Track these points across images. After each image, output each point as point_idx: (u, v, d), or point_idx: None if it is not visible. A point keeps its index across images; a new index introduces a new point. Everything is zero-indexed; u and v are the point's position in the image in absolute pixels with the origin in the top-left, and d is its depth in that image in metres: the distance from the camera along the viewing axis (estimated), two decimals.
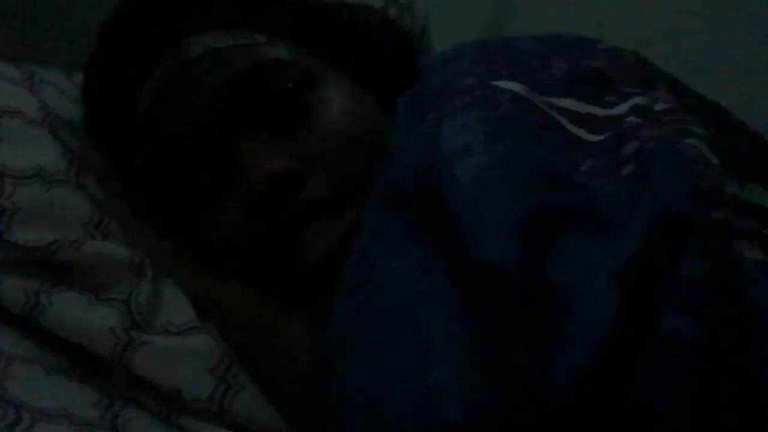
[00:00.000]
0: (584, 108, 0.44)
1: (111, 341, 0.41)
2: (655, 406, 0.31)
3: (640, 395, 0.31)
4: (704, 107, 0.46)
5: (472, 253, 0.35)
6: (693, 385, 0.31)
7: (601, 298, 0.32)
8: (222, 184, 0.47)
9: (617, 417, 0.32)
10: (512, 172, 0.37)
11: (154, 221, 0.51)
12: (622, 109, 0.44)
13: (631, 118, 0.42)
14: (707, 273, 0.33)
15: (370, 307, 0.39)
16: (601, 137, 0.42)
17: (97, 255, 0.43)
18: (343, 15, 0.57)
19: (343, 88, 0.49)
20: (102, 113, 0.52)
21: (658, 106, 0.43)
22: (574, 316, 0.32)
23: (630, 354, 0.32)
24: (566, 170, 0.39)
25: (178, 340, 0.42)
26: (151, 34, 0.50)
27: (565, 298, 0.33)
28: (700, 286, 0.33)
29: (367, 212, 0.43)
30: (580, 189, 0.37)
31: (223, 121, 0.46)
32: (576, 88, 0.45)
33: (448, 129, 0.40)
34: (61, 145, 0.48)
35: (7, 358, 0.39)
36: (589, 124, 0.43)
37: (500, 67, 0.46)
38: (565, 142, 0.41)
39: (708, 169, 0.38)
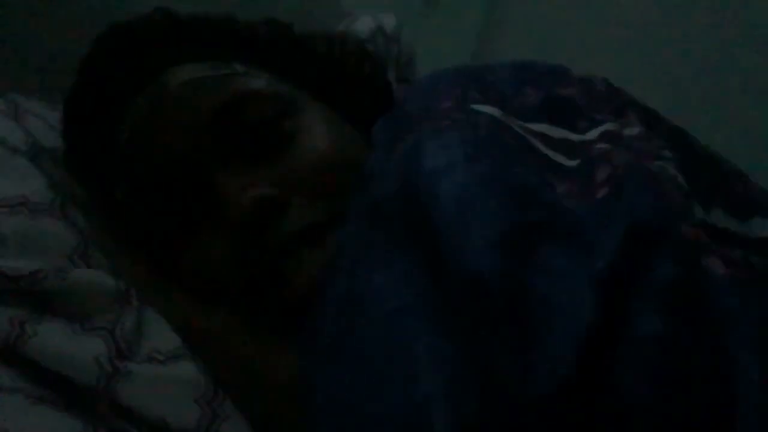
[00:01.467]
0: (557, 132, 0.44)
1: (96, 371, 0.40)
2: (631, 398, 0.31)
3: (618, 392, 0.32)
4: (671, 132, 0.47)
5: (454, 264, 0.35)
6: (664, 380, 0.32)
7: (579, 304, 0.32)
8: (203, 215, 0.46)
9: (600, 416, 0.32)
10: (493, 189, 0.38)
11: (136, 251, 0.50)
12: (593, 134, 0.44)
13: (602, 144, 0.43)
14: (677, 276, 0.33)
15: (359, 318, 0.38)
16: (575, 162, 0.42)
17: (83, 284, 0.42)
18: (319, 45, 0.57)
19: (321, 116, 0.49)
20: (82, 145, 0.52)
21: (628, 132, 0.44)
22: (554, 322, 0.32)
23: (607, 355, 0.32)
24: (544, 190, 0.39)
25: (163, 369, 0.41)
26: (130, 66, 0.50)
27: (545, 306, 0.33)
28: (670, 287, 0.33)
29: (350, 230, 0.43)
30: (557, 207, 0.38)
31: (203, 152, 0.46)
32: (549, 114, 0.45)
33: (429, 149, 0.40)
34: (45, 176, 0.47)
35: None
36: (563, 148, 0.43)
37: (475, 92, 0.47)
38: (541, 165, 0.41)
39: (677, 188, 0.38)
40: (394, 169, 0.42)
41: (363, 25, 0.93)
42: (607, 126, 0.44)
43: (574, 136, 0.44)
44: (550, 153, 0.43)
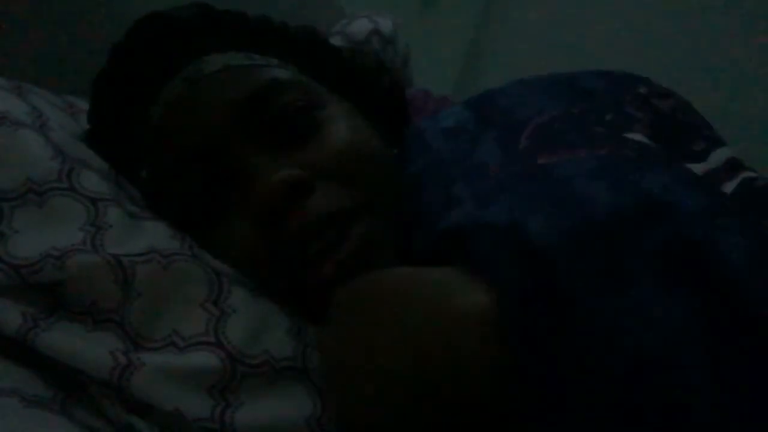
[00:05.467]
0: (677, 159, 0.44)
1: (109, 364, 0.39)
2: None
3: None
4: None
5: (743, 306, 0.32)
6: None
7: None
8: (231, 196, 0.46)
9: None
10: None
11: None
12: (716, 161, 0.44)
13: (732, 182, 0.42)
14: None
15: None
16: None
17: (81, 272, 0.42)
18: (344, 53, 0.59)
19: (347, 111, 0.50)
20: (111, 124, 0.51)
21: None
22: None
23: None
24: None
25: (178, 359, 0.41)
26: (167, 50, 0.50)
27: None
28: None
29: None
30: None
31: (235, 135, 0.46)
32: (662, 135, 0.45)
33: (647, 178, 0.37)
34: (50, 147, 0.45)
35: None
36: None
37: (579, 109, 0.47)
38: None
39: None
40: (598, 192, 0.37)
41: (359, 26, 0.93)
42: (726, 151, 0.44)
43: (698, 167, 0.44)
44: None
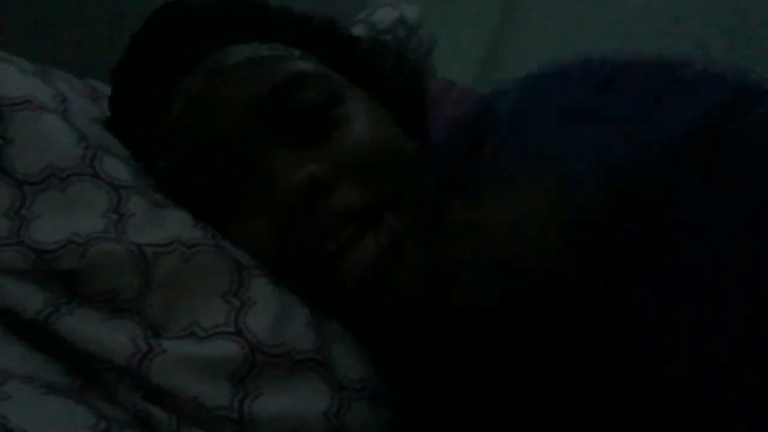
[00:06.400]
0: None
1: (130, 350, 0.39)
2: None
3: None
4: None
5: None
6: None
7: None
8: (250, 192, 0.45)
9: None
10: None
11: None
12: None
13: None
14: None
15: None
16: None
17: (103, 260, 0.41)
18: (365, 45, 0.57)
19: (367, 106, 0.49)
20: (130, 114, 0.50)
21: None
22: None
23: None
24: None
25: (198, 347, 0.41)
26: (189, 41, 0.49)
27: None
28: None
29: None
30: None
31: (255, 129, 0.45)
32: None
33: None
34: (75, 131, 0.45)
35: (3, 375, 0.36)
36: None
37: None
38: None
39: None
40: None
41: (384, 14, 0.92)
42: None
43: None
44: None
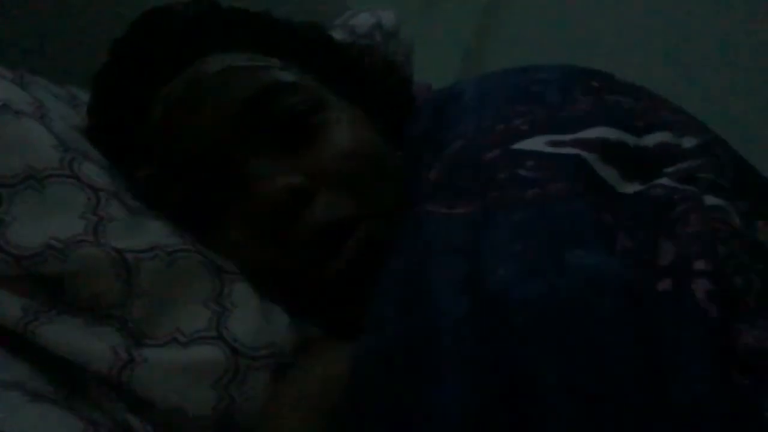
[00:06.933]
0: (615, 135, 0.42)
1: (111, 359, 0.38)
2: None
3: None
4: (722, 147, 0.45)
5: None
6: None
7: None
8: (231, 202, 0.45)
9: None
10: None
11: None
12: (649, 141, 0.43)
13: (662, 180, 0.40)
14: None
15: None
16: (635, 188, 0.40)
17: (84, 266, 0.41)
18: (351, 51, 0.57)
19: (349, 113, 0.49)
20: (109, 122, 0.50)
21: (686, 143, 0.43)
22: None
23: None
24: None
25: (181, 354, 0.40)
26: (169, 49, 0.49)
27: None
28: None
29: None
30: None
31: (235, 138, 0.45)
32: (603, 117, 0.44)
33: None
34: (52, 135, 0.44)
35: None
36: (621, 159, 0.41)
37: (521, 116, 0.45)
38: (596, 201, 0.38)
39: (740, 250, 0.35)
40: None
41: (362, 20, 0.93)
42: (663, 135, 0.43)
43: (631, 140, 0.43)
44: (606, 172, 0.40)
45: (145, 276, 0.41)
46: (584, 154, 0.41)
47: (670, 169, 0.41)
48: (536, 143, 0.42)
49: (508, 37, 1.28)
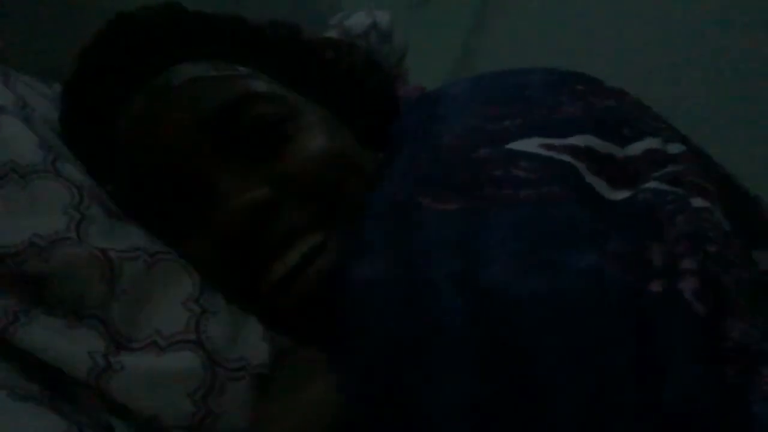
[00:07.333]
0: (602, 146, 0.42)
1: (88, 365, 0.38)
2: None
3: None
4: (701, 151, 0.45)
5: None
6: None
7: None
8: (198, 214, 0.44)
9: None
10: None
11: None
12: (637, 149, 0.43)
13: (650, 184, 0.40)
14: None
15: None
16: (624, 195, 0.40)
17: (67, 266, 0.41)
18: (327, 51, 0.56)
19: (321, 120, 0.48)
20: (78, 134, 0.49)
21: (672, 149, 0.43)
22: None
23: None
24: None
25: (159, 361, 0.40)
26: (133, 61, 0.48)
27: None
28: None
29: None
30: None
31: (201, 151, 0.44)
32: (590, 125, 0.44)
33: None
34: (36, 135, 0.44)
35: None
36: (608, 171, 0.41)
37: (510, 118, 0.45)
38: (589, 206, 0.39)
39: (723, 245, 0.36)
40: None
41: (357, 20, 0.92)
42: (651, 142, 0.43)
43: (619, 151, 0.43)
44: (595, 181, 0.41)
45: (127, 276, 0.40)
46: (574, 161, 0.41)
47: (658, 173, 0.41)
48: (529, 144, 0.43)
49: (503, 39, 1.29)
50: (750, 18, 1.23)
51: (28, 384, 0.38)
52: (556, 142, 0.42)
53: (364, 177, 0.46)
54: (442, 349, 0.35)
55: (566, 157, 0.41)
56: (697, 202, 0.39)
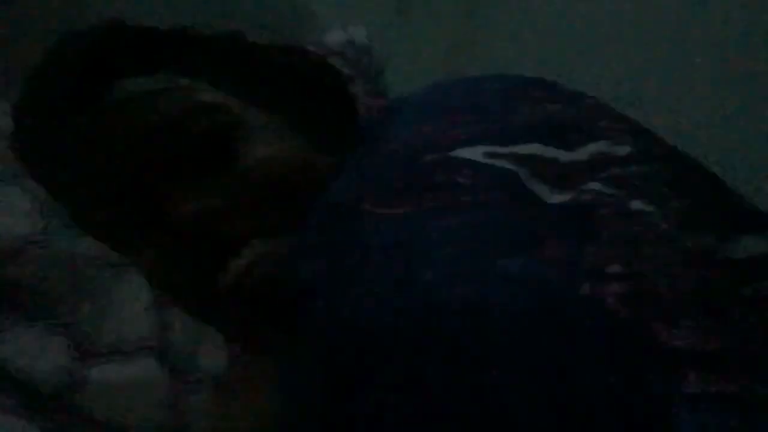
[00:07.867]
0: (548, 152, 0.44)
1: (57, 380, 0.39)
2: None
3: None
4: (663, 151, 0.47)
5: None
6: None
7: None
8: (149, 228, 0.46)
9: None
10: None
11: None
12: (583, 154, 0.44)
13: (591, 185, 0.42)
14: None
15: None
16: (562, 198, 0.42)
17: (34, 267, 0.41)
18: (277, 56, 0.57)
19: (271, 129, 0.51)
20: (28, 154, 0.52)
21: (618, 150, 0.44)
22: None
23: None
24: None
25: (124, 371, 0.41)
26: (77, 80, 0.51)
27: None
28: None
29: None
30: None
31: (148, 166, 0.46)
32: (539, 133, 0.46)
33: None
34: None
35: None
36: (551, 175, 0.43)
37: (462, 126, 0.47)
38: (526, 211, 0.41)
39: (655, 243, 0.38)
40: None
41: (333, 37, 0.93)
42: (598, 145, 0.45)
43: (564, 155, 0.44)
44: (536, 186, 0.42)
45: (95, 280, 0.41)
46: (516, 168, 0.42)
47: (602, 175, 0.41)
48: (474, 152, 0.44)
49: (487, 46, 1.29)
50: (750, 18, 1.22)
51: (6, 396, 0.38)
52: (500, 149, 0.43)
53: (315, 181, 0.48)
54: (377, 354, 0.35)
55: (507, 164, 0.42)
56: (637, 204, 0.39)
